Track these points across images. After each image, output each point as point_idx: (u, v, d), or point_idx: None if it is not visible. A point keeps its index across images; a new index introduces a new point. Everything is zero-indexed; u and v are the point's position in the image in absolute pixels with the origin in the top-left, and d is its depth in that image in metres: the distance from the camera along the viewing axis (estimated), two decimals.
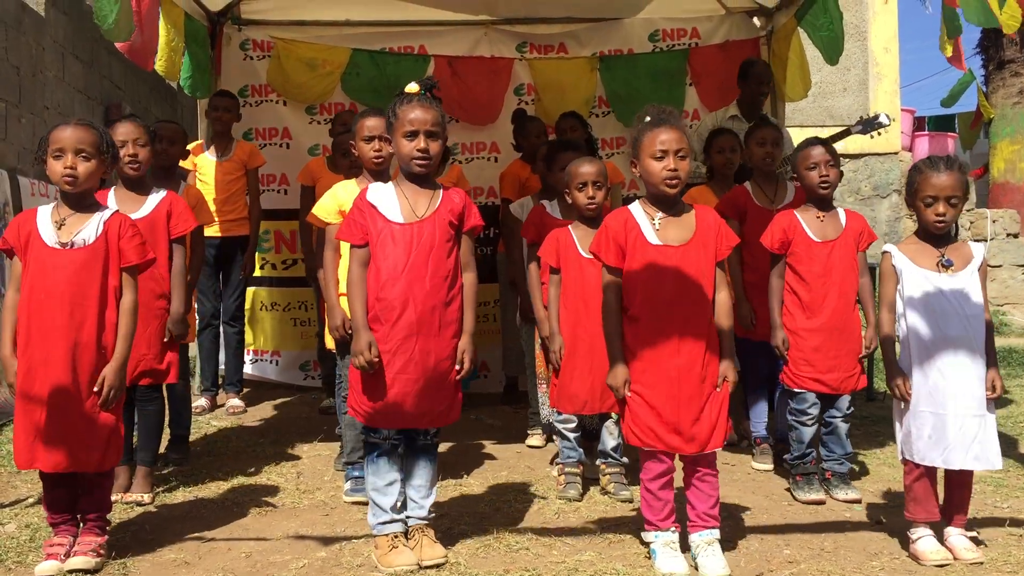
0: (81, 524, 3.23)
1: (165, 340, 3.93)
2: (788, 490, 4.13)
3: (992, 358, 3.33)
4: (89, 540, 3.18)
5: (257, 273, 6.47)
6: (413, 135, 3.19)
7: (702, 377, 3.19)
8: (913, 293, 3.36)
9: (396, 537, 3.21)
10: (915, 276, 3.36)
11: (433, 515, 3.33)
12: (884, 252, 3.45)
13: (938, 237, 3.38)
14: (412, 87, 3.28)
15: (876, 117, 5.56)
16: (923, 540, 3.32)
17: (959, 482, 3.36)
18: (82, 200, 3.23)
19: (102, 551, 3.18)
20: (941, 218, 3.31)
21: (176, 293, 3.96)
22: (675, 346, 3.18)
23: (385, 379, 3.16)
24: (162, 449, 4.40)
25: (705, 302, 3.21)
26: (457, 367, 3.23)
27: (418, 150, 3.19)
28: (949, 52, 4.38)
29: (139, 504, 3.84)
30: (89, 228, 3.18)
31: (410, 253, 3.17)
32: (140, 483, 3.95)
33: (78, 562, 3.10)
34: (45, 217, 3.21)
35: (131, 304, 3.21)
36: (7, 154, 6.79)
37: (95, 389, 3.13)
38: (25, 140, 7.05)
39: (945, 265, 3.32)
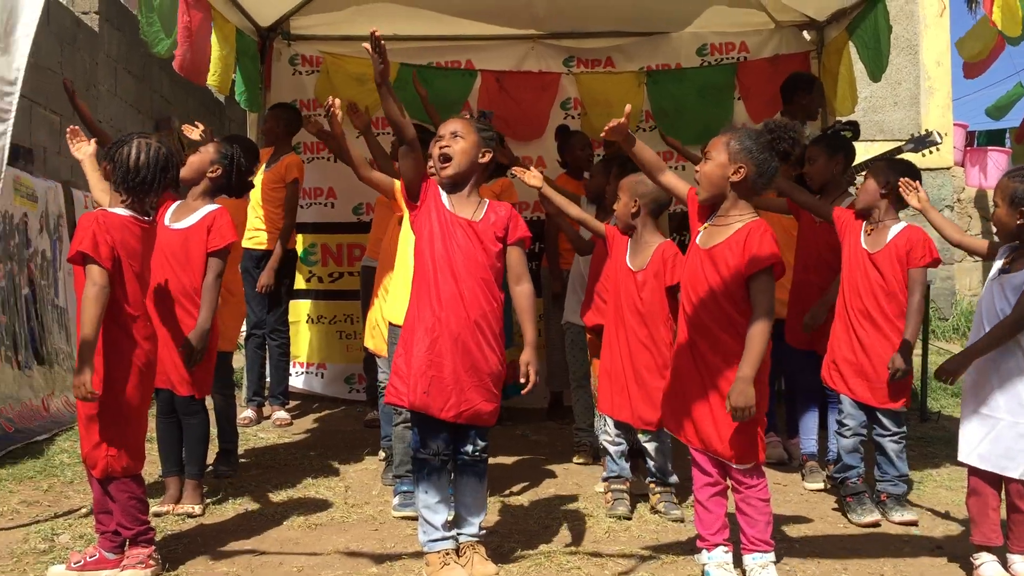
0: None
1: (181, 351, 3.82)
2: (836, 510, 4.06)
3: None
4: (137, 552, 3.20)
5: (303, 286, 6.51)
6: (439, 140, 3.31)
7: (707, 383, 3.15)
8: (981, 296, 3.37)
9: (447, 554, 3.19)
10: (988, 280, 3.35)
11: (484, 532, 3.31)
12: None
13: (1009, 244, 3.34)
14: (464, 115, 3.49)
15: (928, 135, 5.45)
16: (985, 566, 3.24)
17: (1022, 503, 3.26)
18: None
19: (151, 562, 3.19)
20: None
21: (204, 306, 3.84)
22: (688, 345, 3.23)
23: (423, 357, 3.17)
24: (211, 461, 4.43)
25: (721, 310, 3.16)
26: (522, 379, 3.21)
27: (440, 147, 3.29)
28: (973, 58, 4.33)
29: (190, 516, 3.86)
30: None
31: (451, 256, 3.22)
32: (190, 495, 3.97)
33: None
34: None
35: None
36: (61, 167, 6.92)
37: None
38: None
39: (1001, 272, 3.31)
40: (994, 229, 3.44)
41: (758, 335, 3.07)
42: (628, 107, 3.48)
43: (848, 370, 3.96)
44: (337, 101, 3.60)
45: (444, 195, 3.30)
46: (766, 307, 3.09)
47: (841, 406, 4.04)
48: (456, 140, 3.27)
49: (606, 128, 3.44)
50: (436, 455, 3.24)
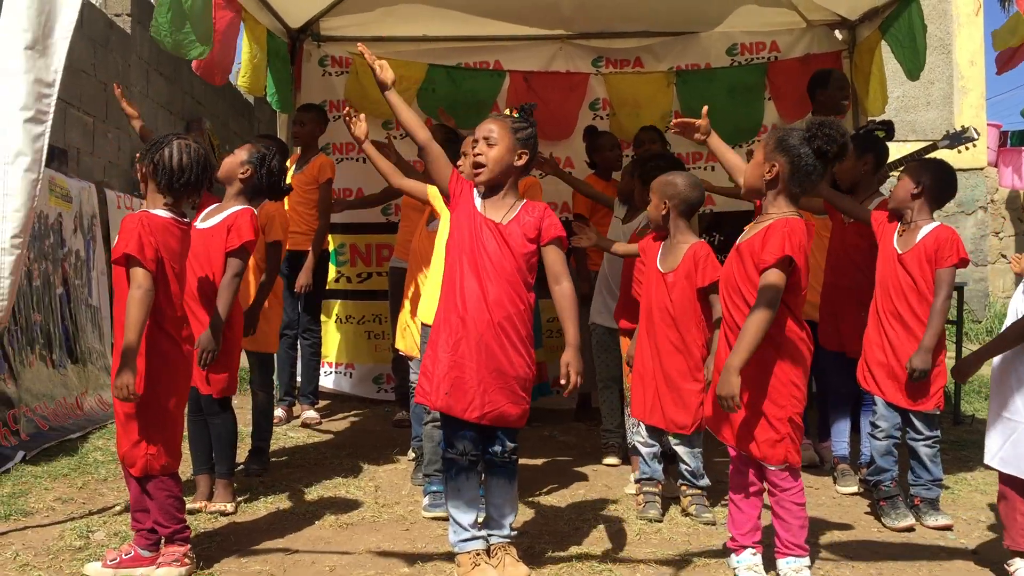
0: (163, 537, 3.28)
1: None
2: (869, 514, 4.03)
3: None
4: (173, 550, 3.23)
5: (332, 286, 6.53)
6: (474, 144, 3.27)
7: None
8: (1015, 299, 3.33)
9: (478, 555, 3.19)
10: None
11: (515, 533, 3.31)
12: None
13: None
14: (506, 111, 3.38)
15: (964, 131, 5.39)
16: (1020, 571, 3.20)
17: None
18: None
19: (187, 560, 3.22)
20: None
21: (218, 305, 3.81)
22: (726, 343, 3.23)
23: (447, 359, 3.17)
24: (243, 459, 4.46)
25: (748, 305, 3.13)
26: (563, 381, 3.17)
27: (474, 154, 3.26)
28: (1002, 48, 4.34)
29: (222, 514, 3.89)
30: None
31: (477, 257, 3.21)
32: (221, 493, 4.00)
33: (163, 573, 3.16)
34: None
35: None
36: (94, 168, 7.00)
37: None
38: (111, 154, 7.26)
39: None
40: None
41: (751, 326, 3.04)
42: (705, 108, 3.48)
43: (880, 371, 3.93)
44: (363, 116, 3.65)
45: (477, 195, 3.30)
46: (766, 301, 3.04)
47: (875, 408, 4.01)
48: (490, 147, 3.23)
49: (674, 122, 3.44)
50: (463, 455, 3.24)
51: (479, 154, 3.23)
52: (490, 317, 3.16)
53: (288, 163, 5.78)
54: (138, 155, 3.33)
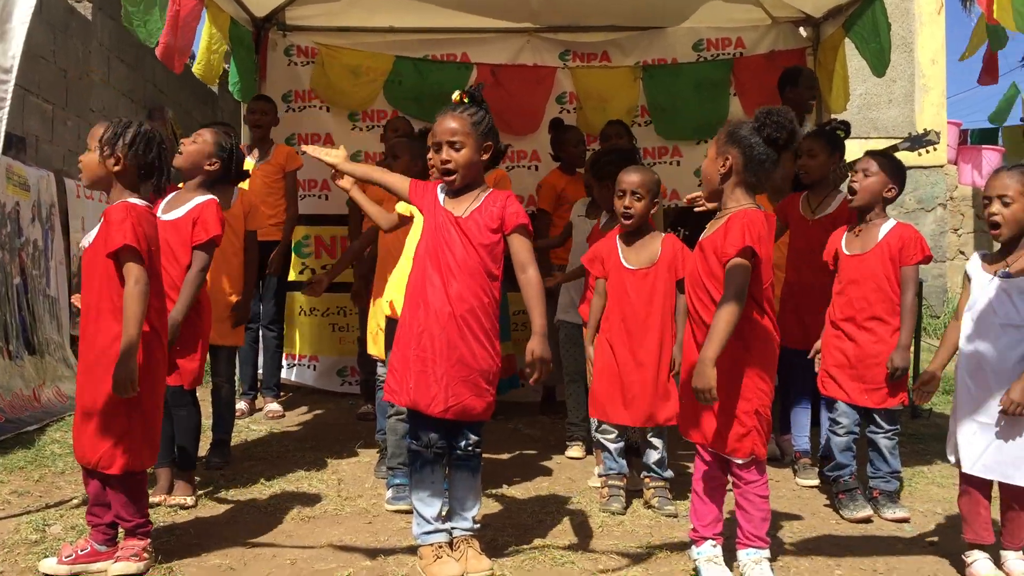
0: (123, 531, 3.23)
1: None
2: (828, 506, 4.07)
3: None
4: (132, 544, 3.17)
5: (296, 278, 6.48)
6: (437, 147, 3.22)
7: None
8: (973, 300, 3.34)
9: (440, 547, 3.19)
10: (977, 282, 3.33)
11: (478, 526, 3.31)
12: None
13: (1008, 243, 3.30)
14: (455, 95, 3.30)
15: (925, 134, 5.46)
16: (977, 563, 3.25)
17: (1015, 501, 3.26)
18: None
19: (145, 555, 3.17)
20: (992, 217, 3.29)
21: (180, 298, 3.77)
22: (692, 339, 3.22)
23: (412, 353, 3.18)
24: (204, 452, 4.41)
25: (713, 301, 3.13)
26: (527, 369, 3.15)
27: (441, 161, 3.21)
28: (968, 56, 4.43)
29: (182, 507, 3.84)
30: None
31: (438, 252, 3.20)
32: (182, 487, 3.95)
33: (119, 568, 3.11)
34: None
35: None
36: (53, 156, 6.88)
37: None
38: (71, 142, 7.13)
39: (1002, 276, 3.26)
40: (991, 228, 3.36)
41: (721, 319, 3.03)
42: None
43: (842, 374, 3.96)
44: (345, 182, 3.64)
45: (440, 192, 3.28)
46: (733, 292, 3.04)
47: (836, 404, 4.04)
48: (457, 151, 3.19)
49: (688, 198, 3.68)
50: (429, 448, 3.24)
51: (447, 160, 3.20)
52: (452, 310, 3.15)
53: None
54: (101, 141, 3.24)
